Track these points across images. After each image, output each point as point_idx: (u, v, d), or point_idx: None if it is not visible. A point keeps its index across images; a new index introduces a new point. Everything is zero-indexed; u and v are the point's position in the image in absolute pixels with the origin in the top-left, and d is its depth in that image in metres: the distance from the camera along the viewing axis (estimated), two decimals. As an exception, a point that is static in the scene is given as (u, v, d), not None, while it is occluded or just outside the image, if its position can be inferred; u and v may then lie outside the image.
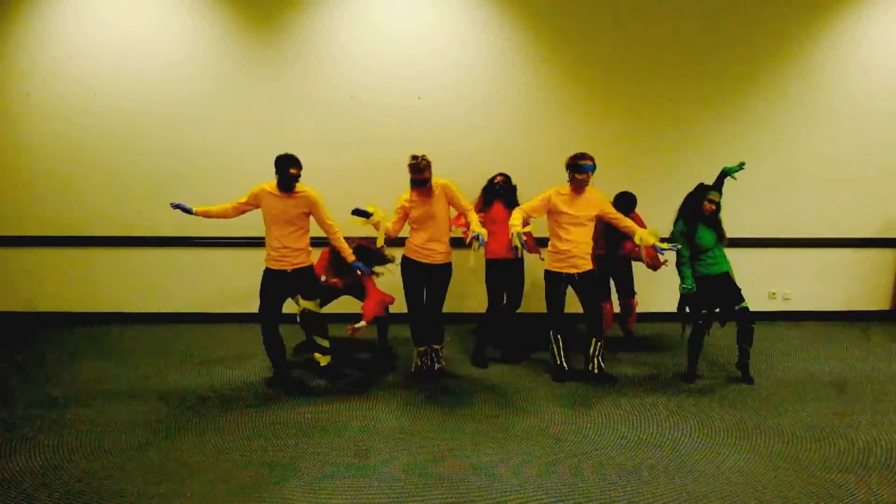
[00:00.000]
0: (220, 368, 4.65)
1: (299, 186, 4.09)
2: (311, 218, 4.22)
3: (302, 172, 4.07)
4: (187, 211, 4.13)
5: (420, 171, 4.14)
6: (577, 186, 4.21)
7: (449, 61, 5.44)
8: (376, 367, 4.68)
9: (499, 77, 5.48)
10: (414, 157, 4.16)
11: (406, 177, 4.22)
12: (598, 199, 4.29)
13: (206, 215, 4.20)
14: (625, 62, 5.48)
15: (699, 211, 4.23)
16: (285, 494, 3.03)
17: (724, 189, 4.37)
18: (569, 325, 4.51)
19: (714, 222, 4.27)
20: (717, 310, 4.35)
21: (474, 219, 4.19)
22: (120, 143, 5.49)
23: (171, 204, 4.15)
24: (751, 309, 4.32)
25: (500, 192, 4.75)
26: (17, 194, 5.57)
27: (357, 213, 4.23)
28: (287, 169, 4.00)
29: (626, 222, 4.32)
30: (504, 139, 5.56)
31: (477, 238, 3.97)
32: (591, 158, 4.19)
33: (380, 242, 4.33)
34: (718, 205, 4.24)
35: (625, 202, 4.71)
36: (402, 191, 4.35)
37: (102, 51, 5.35)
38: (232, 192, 5.43)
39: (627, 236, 4.39)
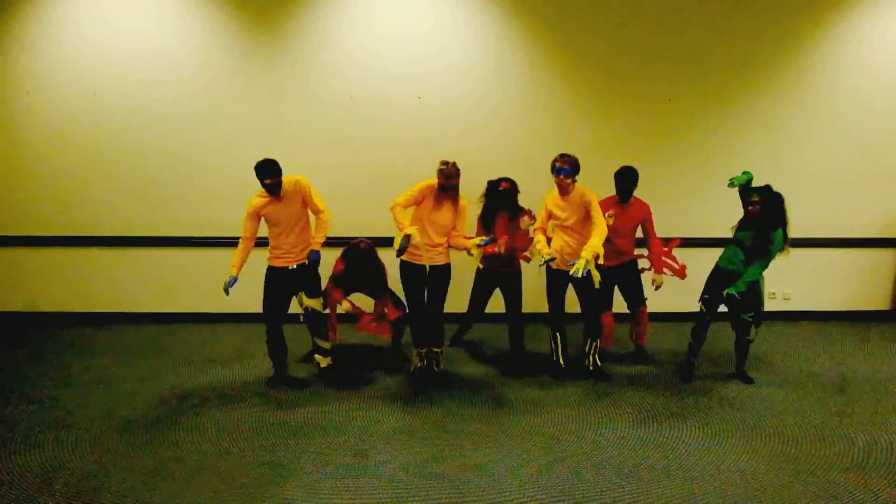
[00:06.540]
0: (220, 368, 4.65)
1: (284, 182, 4.03)
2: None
3: (282, 173, 4.00)
4: (234, 281, 4.03)
5: (451, 178, 4.07)
6: (560, 189, 4.17)
7: (449, 61, 5.43)
8: (380, 367, 4.68)
9: (499, 76, 5.48)
10: (444, 164, 4.06)
11: (404, 176, 4.19)
12: (581, 198, 4.07)
13: (243, 263, 4.09)
14: (626, 62, 5.47)
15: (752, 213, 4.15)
16: (285, 494, 3.04)
17: (725, 190, 4.34)
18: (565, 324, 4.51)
19: (758, 230, 4.12)
20: (725, 308, 4.33)
21: (461, 241, 4.19)
22: (120, 143, 5.48)
23: (226, 290, 4.05)
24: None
25: (504, 202, 4.43)
26: (17, 194, 5.55)
27: (403, 251, 3.96)
28: (263, 181, 3.95)
29: (592, 236, 3.94)
30: (504, 139, 5.55)
31: (480, 245, 4.04)
32: (570, 162, 4.04)
33: (415, 239, 4.04)
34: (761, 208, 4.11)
35: (626, 179, 4.40)
36: (401, 191, 4.21)
37: (102, 51, 5.34)
38: (231, 191, 5.50)
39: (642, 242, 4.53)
